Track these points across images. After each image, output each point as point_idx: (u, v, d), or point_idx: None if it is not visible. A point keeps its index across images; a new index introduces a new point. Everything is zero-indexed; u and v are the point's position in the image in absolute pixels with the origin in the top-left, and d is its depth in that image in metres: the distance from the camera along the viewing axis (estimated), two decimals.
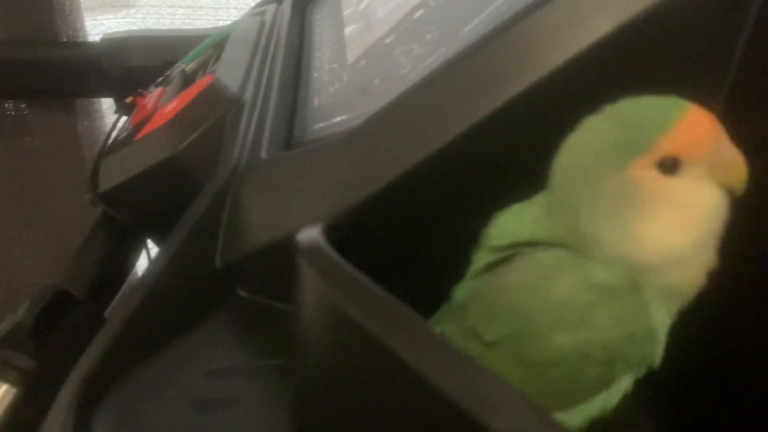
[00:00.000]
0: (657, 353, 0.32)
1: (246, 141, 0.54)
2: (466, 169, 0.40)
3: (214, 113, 0.59)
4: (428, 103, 0.41)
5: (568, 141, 0.33)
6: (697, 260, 0.31)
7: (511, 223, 0.35)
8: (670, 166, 0.30)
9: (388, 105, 0.44)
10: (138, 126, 0.70)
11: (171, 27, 1.45)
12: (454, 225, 0.42)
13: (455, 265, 0.38)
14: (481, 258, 0.35)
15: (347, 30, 0.68)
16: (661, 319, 0.31)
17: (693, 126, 0.30)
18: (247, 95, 0.61)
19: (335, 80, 0.59)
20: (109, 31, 1.27)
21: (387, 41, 0.57)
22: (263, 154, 0.50)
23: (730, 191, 0.31)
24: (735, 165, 0.31)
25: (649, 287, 0.31)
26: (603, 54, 0.38)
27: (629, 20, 0.36)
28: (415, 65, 0.49)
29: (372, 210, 0.40)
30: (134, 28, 1.40)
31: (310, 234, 0.31)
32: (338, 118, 0.52)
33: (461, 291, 0.36)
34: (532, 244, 0.33)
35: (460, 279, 0.38)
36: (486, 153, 0.40)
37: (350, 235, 0.37)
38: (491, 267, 0.34)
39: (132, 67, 1.04)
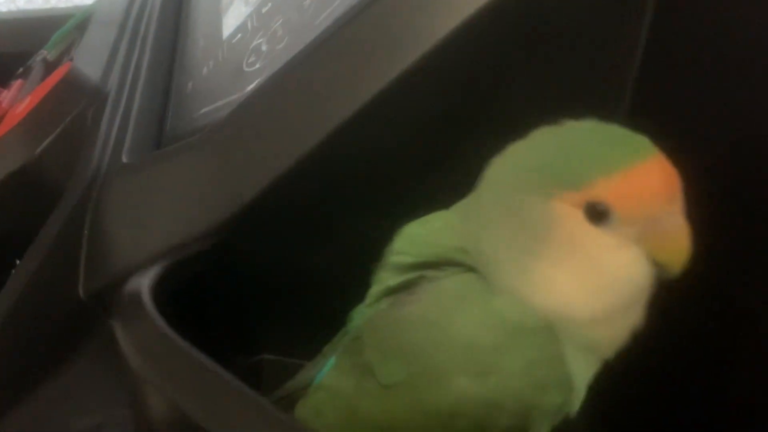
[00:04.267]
0: (574, 402, 0.27)
1: (109, 140, 0.46)
2: (354, 169, 0.35)
3: (72, 109, 0.51)
4: (303, 88, 0.35)
5: (509, 148, 0.29)
6: (613, 323, 0.27)
7: (418, 236, 0.31)
8: (598, 213, 0.26)
9: (255, 93, 0.37)
10: None
11: (46, 6, 1.32)
12: (346, 236, 0.37)
13: (354, 281, 0.33)
14: (382, 278, 0.31)
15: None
16: (580, 367, 0.27)
17: (643, 179, 0.25)
18: (111, 85, 0.53)
19: (209, 59, 0.52)
20: None
21: (264, 10, 0.50)
22: (125, 157, 0.42)
23: (660, 269, 0.26)
24: (675, 244, 0.26)
25: (563, 331, 0.27)
26: (497, 24, 0.33)
27: None
28: (294, 38, 0.43)
29: (245, 223, 0.34)
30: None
31: (134, 289, 0.25)
32: (211, 106, 0.45)
33: (358, 317, 0.32)
34: (438, 264, 0.29)
35: (360, 299, 0.33)
36: (380, 147, 0.34)
37: (209, 266, 0.31)
38: (391, 292, 0.30)
39: None
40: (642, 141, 0.26)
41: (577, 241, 0.26)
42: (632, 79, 0.36)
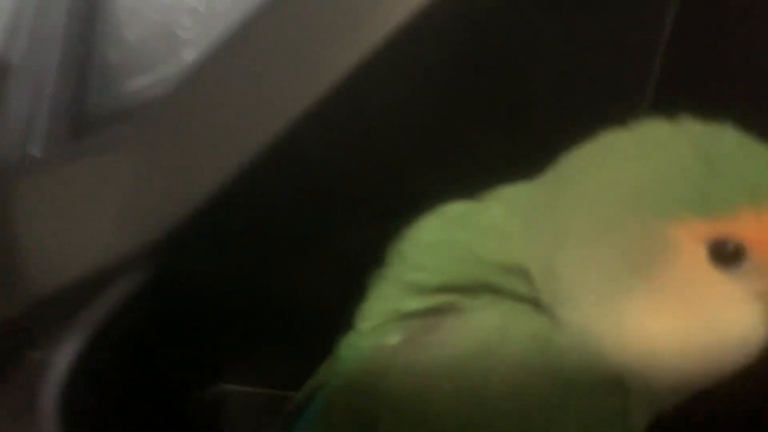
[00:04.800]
0: None
1: (15, 127, 0.38)
2: (324, 164, 0.28)
3: None
4: (257, 66, 0.28)
5: (615, 139, 0.22)
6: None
7: (450, 246, 0.23)
8: (728, 254, 0.20)
9: (198, 72, 0.30)
10: None
11: None
12: (318, 244, 0.30)
13: (332, 298, 0.27)
14: (387, 296, 0.24)
15: None
16: (639, 422, 0.22)
17: None
18: (16, 55, 0.44)
19: (135, 22, 0.43)
20: None
21: None
22: (35, 149, 0.34)
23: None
24: None
25: (634, 385, 0.21)
26: None
27: None
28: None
29: (192, 236, 0.27)
30: None
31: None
32: (141, 79, 0.38)
33: (350, 350, 0.25)
34: (475, 287, 0.22)
35: (349, 321, 0.26)
36: (356, 134, 0.28)
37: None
38: (403, 321, 0.23)
39: None
40: None
41: (691, 283, 0.20)
42: (655, 71, 0.31)
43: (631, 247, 0.20)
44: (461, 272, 0.22)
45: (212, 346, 0.33)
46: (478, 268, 0.22)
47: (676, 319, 0.20)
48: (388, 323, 0.23)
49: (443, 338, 0.21)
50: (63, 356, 0.24)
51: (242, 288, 0.31)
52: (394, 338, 0.22)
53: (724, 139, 0.21)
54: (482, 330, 0.21)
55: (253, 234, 0.30)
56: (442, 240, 0.24)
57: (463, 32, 0.28)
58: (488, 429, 0.20)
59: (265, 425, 0.32)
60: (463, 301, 0.22)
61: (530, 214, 0.23)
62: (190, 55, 0.35)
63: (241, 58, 0.28)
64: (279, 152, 0.28)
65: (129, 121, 0.32)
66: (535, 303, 0.21)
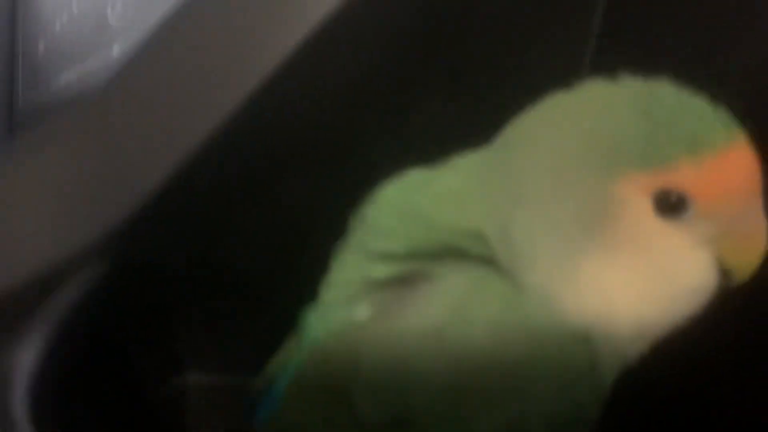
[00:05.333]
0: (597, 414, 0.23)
1: None
2: (283, 134, 0.28)
3: None
4: (204, 42, 0.27)
5: (560, 101, 0.22)
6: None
7: (412, 210, 0.23)
8: (672, 203, 0.20)
9: (145, 49, 0.29)
10: None
11: None
12: (278, 216, 0.30)
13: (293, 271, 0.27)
14: (353, 264, 0.24)
15: None
16: (607, 376, 0.22)
17: (733, 166, 0.20)
18: None
19: (62, 11, 0.42)
20: None
21: None
22: None
23: (725, 274, 0.21)
24: (751, 248, 0.21)
25: (599, 341, 0.21)
26: None
27: None
28: None
29: (149, 221, 0.26)
30: None
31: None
32: (73, 69, 0.36)
33: (318, 322, 0.24)
34: (441, 254, 0.22)
35: (312, 293, 0.26)
36: (316, 98, 0.27)
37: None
38: (370, 291, 0.23)
39: None
40: (730, 118, 0.21)
41: (641, 236, 0.21)
42: (594, 32, 0.31)
43: (582, 206, 0.21)
44: (425, 238, 0.23)
45: (174, 333, 0.32)
46: (440, 234, 0.22)
47: (630, 271, 0.21)
48: (355, 294, 0.23)
49: (414, 308, 0.21)
50: (25, 357, 0.24)
51: (201, 270, 0.30)
52: (363, 311, 0.22)
53: (662, 94, 0.21)
54: (452, 296, 0.21)
55: (208, 213, 0.29)
56: (405, 207, 0.24)
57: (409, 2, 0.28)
58: (466, 392, 0.21)
59: (231, 413, 0.32)
60: (431, 268, 0.22)
61: (484, 180, 0.23)
62: (121, 48, 0.34)
63: (188, 34, 0.27)
64: (230, 131, 0.27)
65: (68, 111, 0.31)
66: (496, 266, 0.22)
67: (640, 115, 0.21)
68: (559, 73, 0.27)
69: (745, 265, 0.21)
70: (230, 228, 0.30)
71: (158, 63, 0.28)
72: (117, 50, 0.34)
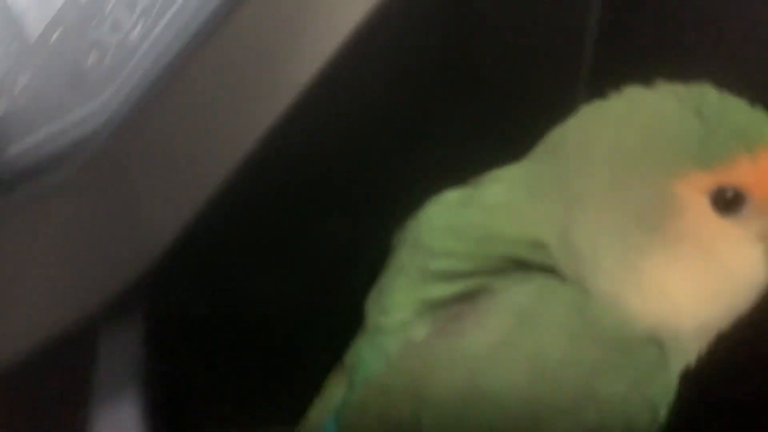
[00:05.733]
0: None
1: None
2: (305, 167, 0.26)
3: None
4: (207, 82, 0.26)
5: (602, 109, 0.23)
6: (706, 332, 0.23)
7: (465, 225, 0.23)
8: (729, 200, 0.21)
9: (134, 102, 0.27)
10: None
11: None
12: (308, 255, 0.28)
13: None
14: (405, 287, 0.23)
15: None
16: (675, 375, 0.23)
17: None
18: None
19: (19, 70, 0.39)
20: None
21: None
22: None
23: None
24: None
25: (666, 340, 0.22)
26: None
27: None
28: (148, 24, 0.32)
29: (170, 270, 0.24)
30: None
31: None
32: (48, 128, 0.33)
33: (369, 353, 0.23)
34: (504, 268, 0.21)
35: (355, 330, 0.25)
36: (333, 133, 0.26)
37: None
38: (428, 312, 0.22)
39: None
40: None
41: (701, 234, 0.21)
42: (588, 49, 0.32)
43: (640, 208, 0.21)
44: (485, 253, 0.22)
45: (202, 387, 0.30)
46: (500, 246, 0.22)
47: (692, 270, 0.21)
48: (411, 317, 0.22)
49: (478, 321, 0.21)
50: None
51: (227, 321, 0.28)
52: (420, 331, 0.22)
53: (707, 95, 0.22)
54: (517, 306, 0.21)
55: (229, 262, 0.27)
56: (458, 224, 0.23)
57: (423, 26, 0.27)
58: (542, 404, 0.20)
59: None
60: (493, 282, 0.21)
61: (534, 189, 0.23)
62: (98, 103, 0.31)
63: (200, 76, 0.26)
64: (248, 175, 0.26)
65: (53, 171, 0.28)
66: (559, 274, 0.21)
67: (693, 114, 0.21)
68: (558, 89, 0.27)
69: None
70: (253, 277, 0.28)
71: (170, 108, 0.26)
72: (94, 105, 0.31)
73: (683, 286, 0.21)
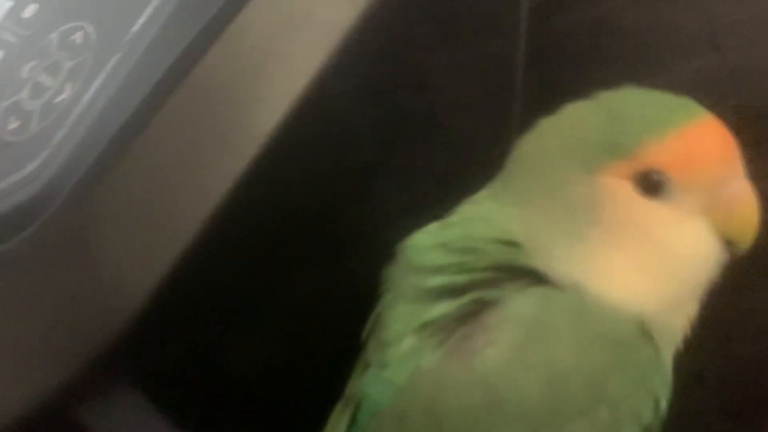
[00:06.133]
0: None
1: None
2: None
3: None
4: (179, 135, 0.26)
5: (540, 123, 0.24)
6: (684, 309, 0.24)
7: (449, 239, 0.24)
8: (652, 183, 0.22)
9: (82, 165, 0.26)
10: None
11: None
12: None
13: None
14: (403, 316, 0.23)
15: None
16: (669, 364, 0.24)
17: (699, 138, 0.22)
18: None
19: None
20: None
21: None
22: None
23: (729, 244, 0.23)
24: (742, 212, 0.23)
25: (651, 326, 0.23)
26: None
27: None
28: (78, 84, 0.31)
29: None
30: None
31: None
32: None
33: (374, 387, 0.23)
34: (494, 279, 0.22)
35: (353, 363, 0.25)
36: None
37: None
38: (434, 333, 0.22)
39: None
40: (689, 102, 0.23)
41: (633, 217, 0.22)
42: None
43: (575, 203, 0.23)
44: (474, 261, 0.23)
45: None
46: (484, 252, 0.23)
47: (632, 252, 0.22)
48: (414, 343, 0.22)
49: (488, 339, 0.21)
50: None
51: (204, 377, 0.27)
52: (429, 357, 0.22)
53: (623, 93, 0.24)
54: (523, 319, 0.21)
55: (203, 319, 0.27)
56: (442, 241, 0.24)
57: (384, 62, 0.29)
58: (559, 411, 0.21)
59: None
60: (490, 294, 0.22)
61: (501, 200, 0.25)
62: (29, 169, 0.30)
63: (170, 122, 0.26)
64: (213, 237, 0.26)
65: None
66: (547, 279, 0.22)
67: (603, 112, 0.24)
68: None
69: (744, 231, 0.23)
70: (229, 331, 0.27)
71: (128, 168, 0.26)
72: (25, 172, 0.30)
73: (629, 269, 0.22)
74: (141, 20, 0.31)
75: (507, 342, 0.21)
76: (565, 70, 0.37)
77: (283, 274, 0.28)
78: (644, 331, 0.22)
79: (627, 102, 0.24)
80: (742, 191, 0.22)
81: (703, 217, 0.23)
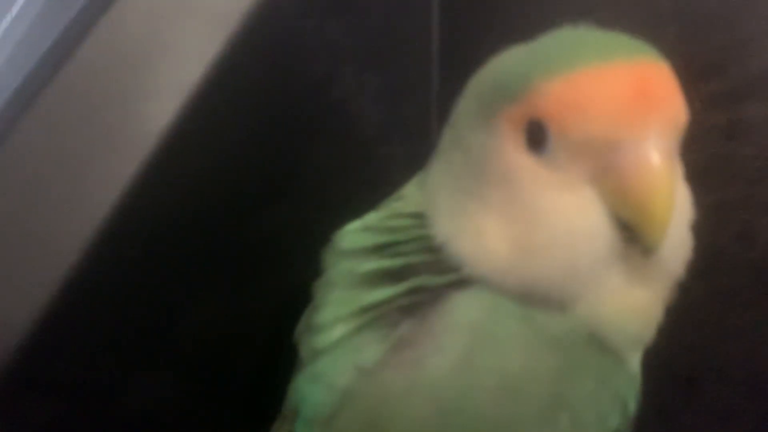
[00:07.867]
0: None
1: None
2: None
3: None
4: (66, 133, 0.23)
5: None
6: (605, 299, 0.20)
7: (370, 224, 0.23)
8: (534, 134, 0.19)
9: None
10: None
11: None
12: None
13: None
14: (340, 302, 0.21)
15: None
16: (633, 358, 0.22)
17: (589, 85, 0.17)
18: None
19: None
20: None
21: None
22: None
23: (621, 221, 0.19)
24: (635, 185, 0.17)
25: (608, 332, 0.20)
26: None
27: None
28: None
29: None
30: None
31: None
32: None
33: (314, 390, 0.21)
34: (412, 243, 0.21)
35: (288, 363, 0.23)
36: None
37: None
38: (371, 326, 0.20)
39: None
40: (625, 43, 0.19)
41: (507, 174, 0.19)
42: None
43: (471, 152, 0.20)
44: (399, 237, 0.21)
45: None
46: (403, 226, 0.22)
47: (504, 218, 0.19)
48: (354, 330, 0.20)
49: (435, 345, 0.19)
50: None
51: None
52: (369, 355, 0.19)
53: (559, 31, 0.20)
54: (470, 324, 0.19)
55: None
56: (369, 224, 0.23)
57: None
58: (513, 418, 0.19)
59: None
60: (425, 282, 0.20)
61: (428, 170, 0.23)
62: None
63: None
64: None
65: None
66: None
67: (519, 51, 0.20)
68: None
69: (640, 213, 0.18)
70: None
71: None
72: None
73: (496, 235, 0.19)
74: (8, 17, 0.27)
75: (453, 348, 0.19)
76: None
77: (185, 296, 0.25)
78: (592, 335, 0.20)
79: (548, 40, 0.20)
80: (640, 159, 0.17)
81: (590, 187, 0.18)
